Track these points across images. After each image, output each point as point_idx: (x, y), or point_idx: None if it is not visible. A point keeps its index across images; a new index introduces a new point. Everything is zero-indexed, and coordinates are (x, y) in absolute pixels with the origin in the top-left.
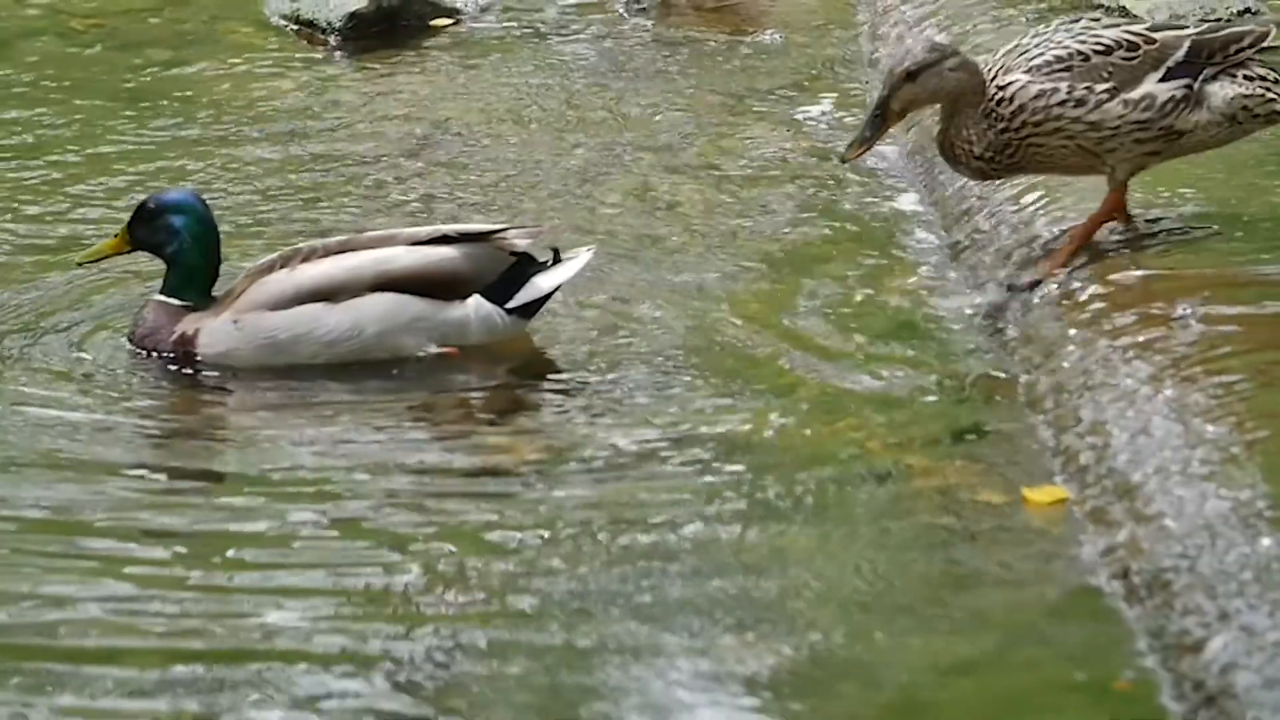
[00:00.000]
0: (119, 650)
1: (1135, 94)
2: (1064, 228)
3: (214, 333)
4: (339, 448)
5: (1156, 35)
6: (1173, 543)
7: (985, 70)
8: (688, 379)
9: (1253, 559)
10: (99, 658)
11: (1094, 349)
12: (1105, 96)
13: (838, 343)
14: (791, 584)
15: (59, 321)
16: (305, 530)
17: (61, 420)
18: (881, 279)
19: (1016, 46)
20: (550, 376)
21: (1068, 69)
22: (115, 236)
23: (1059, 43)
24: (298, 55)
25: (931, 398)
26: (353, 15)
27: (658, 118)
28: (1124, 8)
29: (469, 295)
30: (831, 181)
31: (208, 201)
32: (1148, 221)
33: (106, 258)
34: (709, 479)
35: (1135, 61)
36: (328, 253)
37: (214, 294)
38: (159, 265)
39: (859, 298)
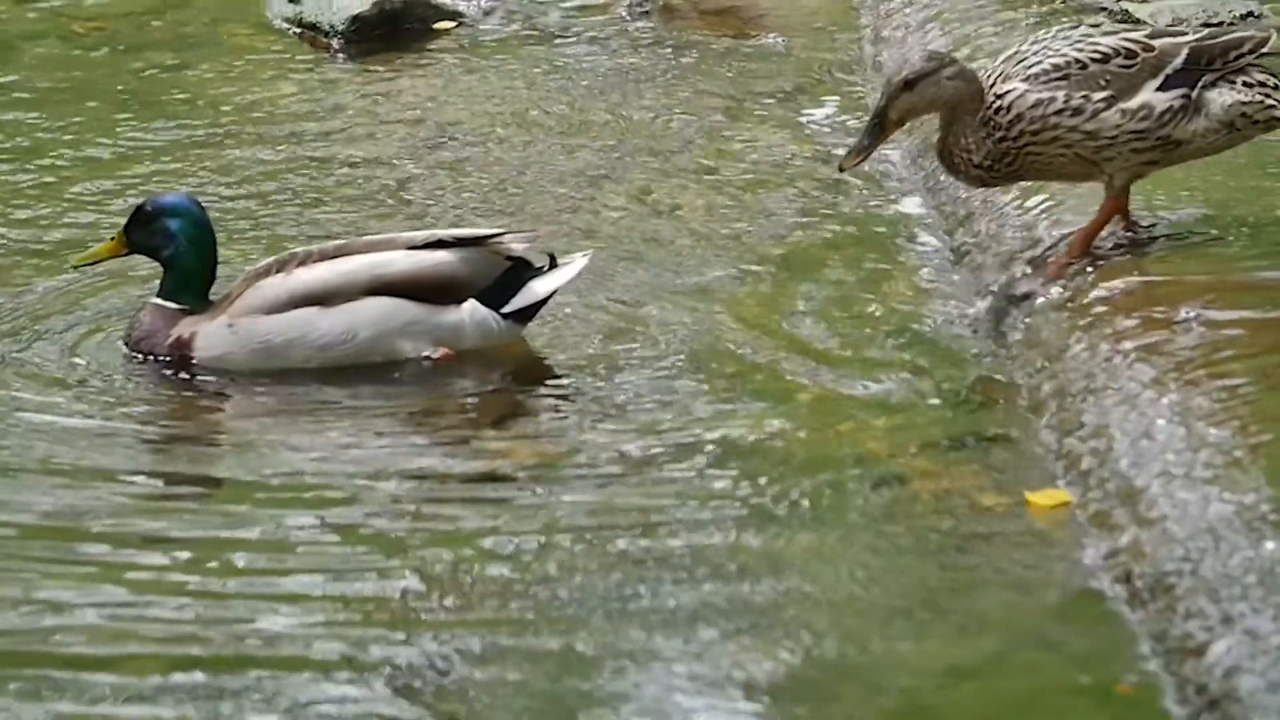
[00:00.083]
0: (117, 657)
1: (1133, 103)
2: (1067, 231)
3: (209, 336)
4: (337, 453)
5: (1155, 42)
6: (1176, 546)
7: (984, 78)
8: (688, 383)
9: (1256, 562)
10: (97, 664)
11: (1097, 352)
12: (1102, 105)
13: (839, 346)
14: (792, 588)
15: (54, 325)
16: (303, 536)
17: (57, 425)
18: (884, 283)
19: (1015, 54)
20: (550, 381)
21: (1065, 78)
22: (112, 239)
23: (1057, 51)
24: (300, 58)
25: (934, 401)
26: (355, 18)
27: (660, 121)
28: (1127, 11)
29: (464, 300)
30: (834, 185)
31: (208, 205)
32: (1150, 225)
33: (103, 261)
34: (709, 484)
35: (1133, 69)
36: (324, 257)
37: (211, 297)
38: (155, 267)
39: (861, 301)
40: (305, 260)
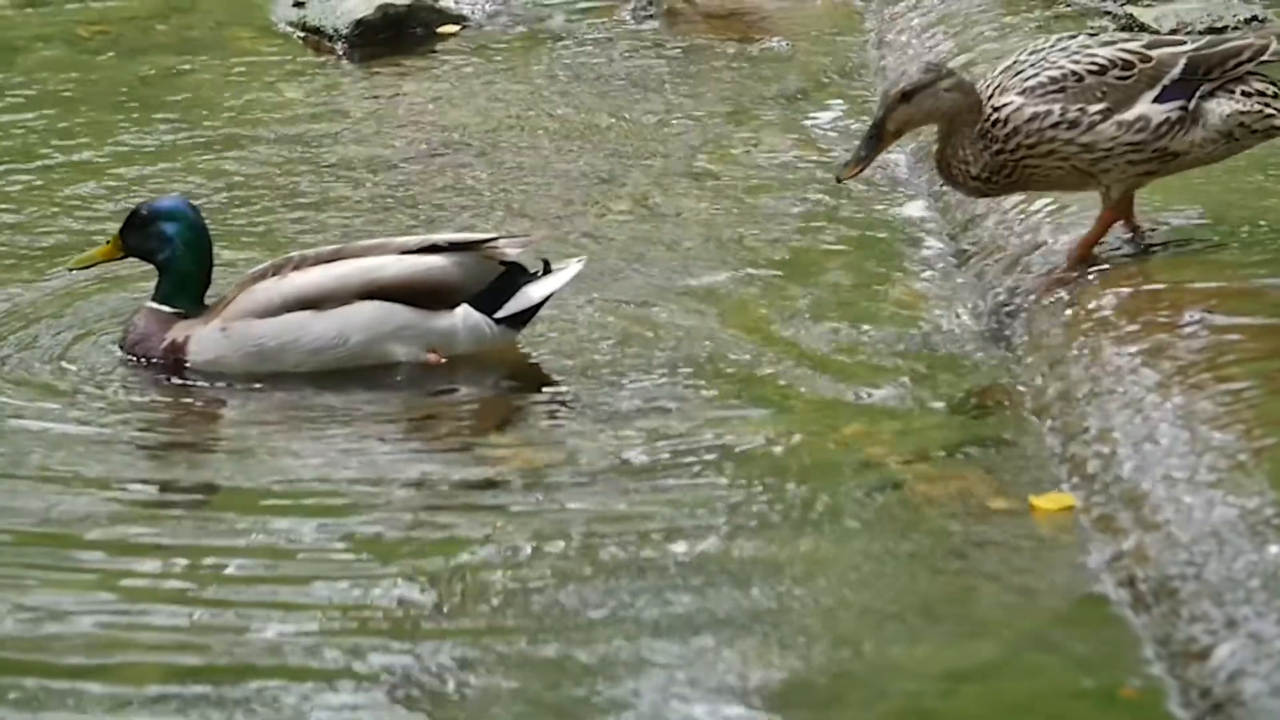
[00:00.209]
0: (113, 665)
1: (1129, 115)
2: (1070, 235)
3: (203, 340)
4: (335, 459)
5: (1153, 53)
6: (1180, 550)
7: (982, 89)
8: (689, 388)
9: (1260, 566)
10: (93, 673)
11: (1101, 357)
12: (1098, 118)
13: (842, 351)
14: (794, 593)
15: (50, 328)
16: (301, 543)
17: (52, 431)
18: (887, 287)
19: (1013, 65)
20: (550, 386)
21: (1061, 90)
22: (108, 243)
23: (1054, 63)
24: (304, 62)
25: (937, 405)
26: (359, 22)
27: (664, 124)
28: (1131, 15)
29: (457, 305)
30: (838, 189)
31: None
32: (1151, 230)
33: (99, 264)
34: (710, 489)
35: (1130, 80)
36: (319, 261)
37: (207, 301)
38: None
39: (864, 305)
40: (300, 264)
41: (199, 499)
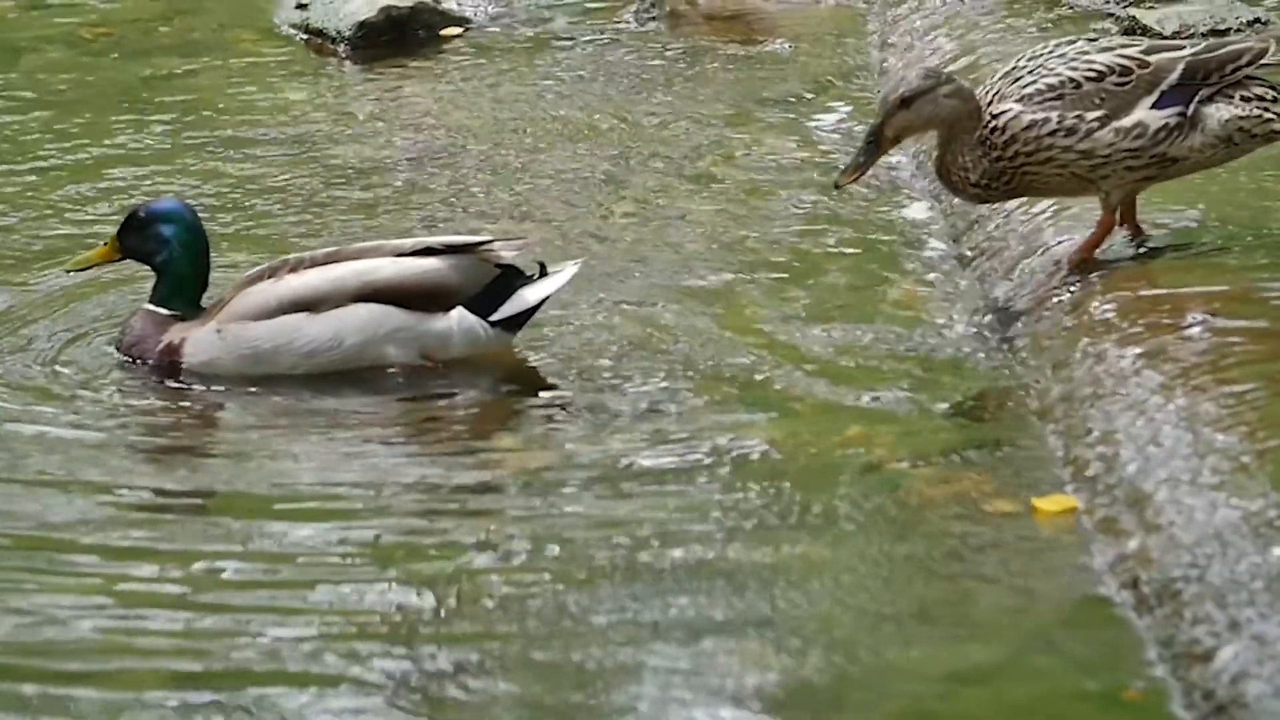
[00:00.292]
0: (109, 671)
1: (1127, 122)
2: (1072, 236)
3: (198, 342)
4: (333, 463)
5: (1151, 58)
6: (1183, 552)
7: (981, 95)
8: (691, 390)
9: (1263, 568)
10: (89, 678)
11: (1104, 359)
12: (1096, 125)
13: (845, 353)
14: (799, 595)
15: (46, 329)
16: (299, 548)
17: (49, 435)
18: (890, 288)
19: (1012, 71)
20: (550, 389)
21: (1059, 97)
22: (105, 245)
23: (1052, 70)
24: (307, 64)
25: (940, 407)
26: (362, 24)
27: (667, 126)
28: (1134, 18)
29: (452, 307)
30: (841, 190)
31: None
32: (1156, 232)
33: (96, 266)
34: (711, 492)
35: (1128, 87)
36: (314, 263)
37: (205, 303)
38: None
39: (867, 307)
40: (296, 267)
41: (196, 503)
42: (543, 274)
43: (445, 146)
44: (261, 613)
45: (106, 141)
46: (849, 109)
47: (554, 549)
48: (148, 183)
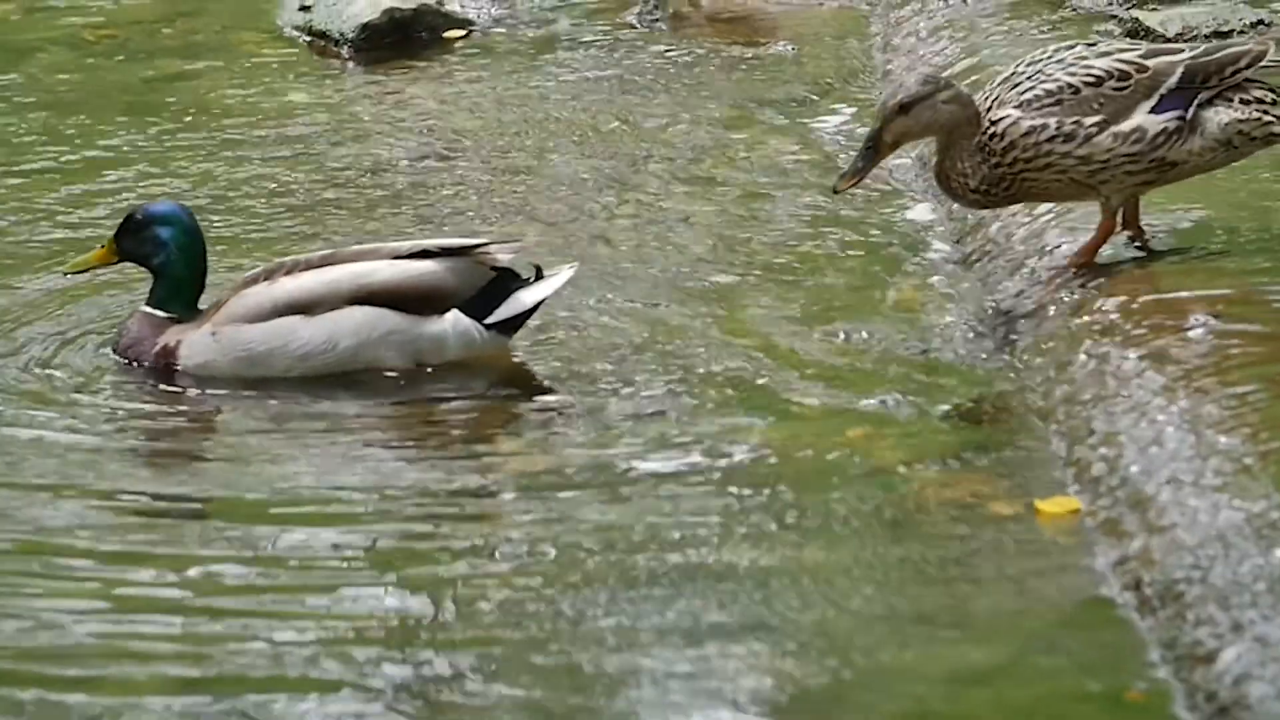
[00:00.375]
0: (105, 677)
1: (1125, 126)
2: (1076, 239)
3: (194, 344)
4: (331, 467)
5: (1149, 62)
6: (1185, 554)
7: (980, 101)
8: (693, 393)
9: (1266, 570)
10: (85, 684)
11: (1106, 360)
12: (1094, 130)
13: (847, 354)
14: (802, 596)
15: (42, 332)
16: (296, 552)
17: (45, 439)
18: (893, 290)
19: (1011, 77)
20: (551, 391)
21: (1058, 103)
22: (103, 247)
23: (1050, 75)
24: (310, 66)
25: (943, 408)
26: (365, 26)
27: (670, 128)
28: (1137, 19)
29: (447, 310)
30: (844, 192)
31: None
32: (1158, 234)
33: (94, 268)
34: (714, 494)
35: (1127, 91)
36: (311, 266)
37: (202, 306)
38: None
39: (870, 308)
40: (292, 269)
41: (195, 507)
42: (539, 276)
43: (448, 148)
44: (260, 617)
45: (107, 143)
46: (852, 111)
47: (554, 553)
48: (147, 184)
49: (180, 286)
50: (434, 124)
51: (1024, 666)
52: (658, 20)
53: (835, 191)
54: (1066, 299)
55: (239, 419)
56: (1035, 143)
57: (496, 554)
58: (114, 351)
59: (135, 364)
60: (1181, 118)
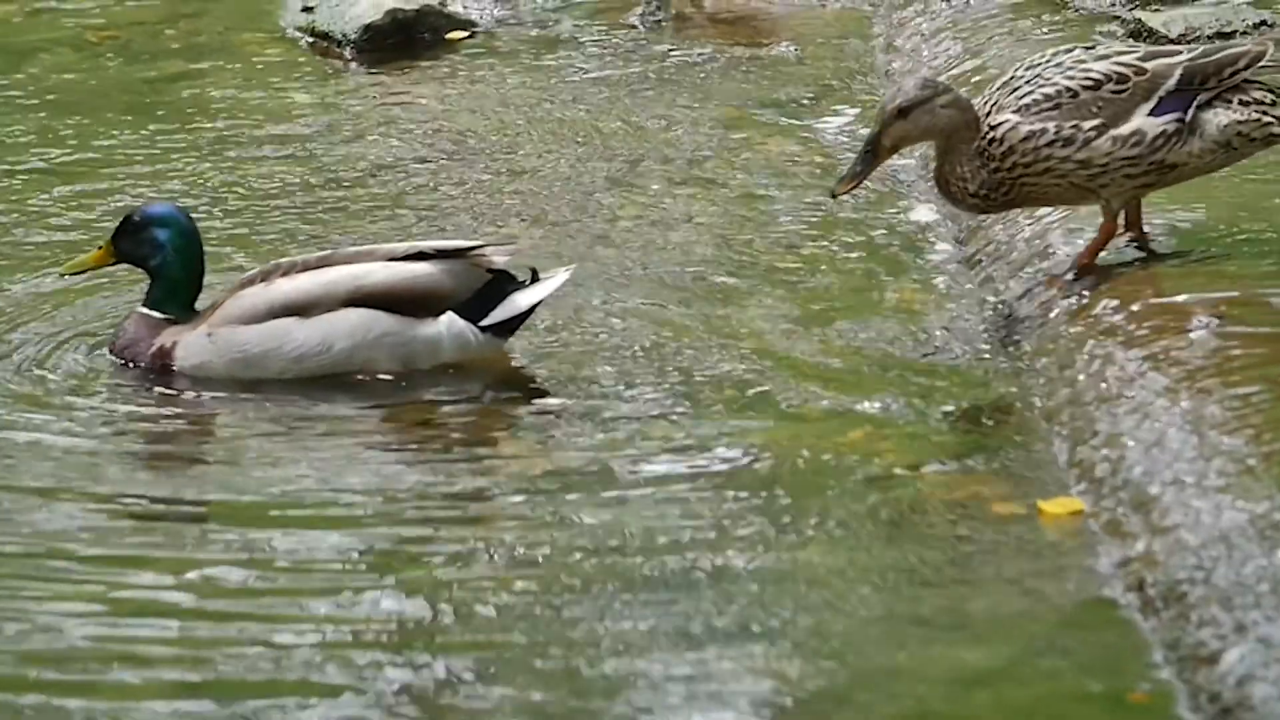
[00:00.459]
0: (103, 683)
1: (1124, 130)
2: (1079, 240)
3: (189, 346)
4: (329, 469)
5: (1148, 65)
6: (1189, 555)
7: (979, 105)
8: (695, 395)
9: (1269, 571)
10: (82, 690)
11: (1109, 362)
12: (1093, 134)
13: (850, 355)
14: (801, 599)
15: (37, 333)
16: (295, 556)
17: (42, 442)
18: (896, 291)
19: (1009, 81)
20: (551, 393)
21: (1056, 107)
22: (100, 248)
23: (1049, 79)
24: (312, 67)
25: (946, 409)
26: (368, 28)
27: (672, 129)
28: (1140, 20)
29: (442, 312)
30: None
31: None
32: (1161, 235)
33: (90, 270)
34: (716, 496)
35: (1125, 94)
36: (307, 267)
37: (199, 307)
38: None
39: (872, 309)
40: (289, 270)
41: (194, 511)
42: (535, 279)
43: (450, 149)
44: (259, 621)
45: (108, 143)
46: (855, 112)
47: (554, 555)
48: (148, 185)
49: (177, 288)
50: (436, 125)
51: (1026, 667)
52: (660, 21)
53: (833, 195)
54: (1069, 300)
55: (237, 421)
56: (1034, 148)
57: (496, 557)
58: (110, 352)
59: (131, 364)
60: (1180, 120)
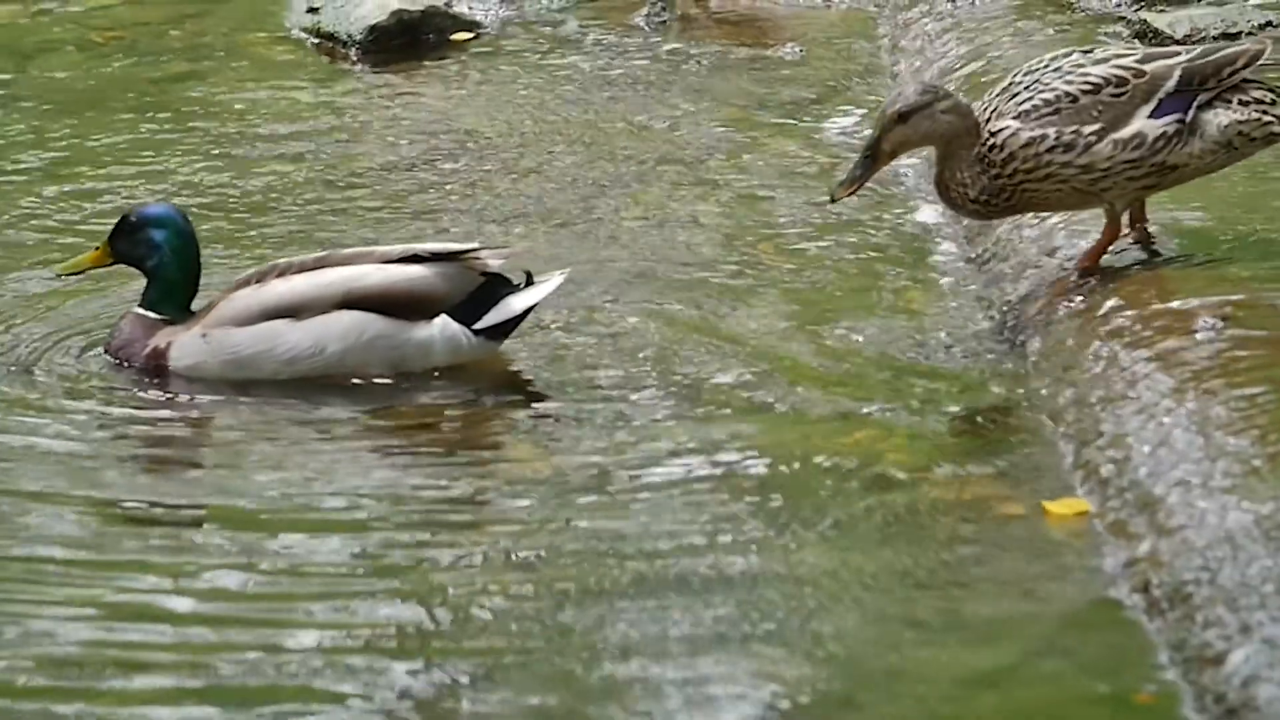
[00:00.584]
0: (101, 688)
1: (1125, 133)
2: (1084, 241)
3: (184, 346)
4: (326, 473)
5: (1147, 67)
6: (1194, 555)
7: (979, 111)
8: (698, 396)
9: (1275, 571)
10: (80, 695)
11: (1114, 362)
12: (1094, 138)
13: (856, 355)
14: (809, 598)
15: (33, 334)
16: (293, 560)
17: (37, 446)
18: (901, 292)
19: (1008, 87)
20: (550, 396)
21: (1056, 112)
22: (97, 249)
23: (1047, 84)
24: (318, 68)
25: (951, 410)
26: (373, 28)
27: (677, 130)
28: (1145, 21)
29: (436, 315)
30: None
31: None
32: (1165, 236)
33: (87, 270)
34: (718, 499)
35: (1125, 97)
36: (303, 269)
37: (196, 308)
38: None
39: (879, 310)
40: (285, 272)
41: (193, 514)
42: (529, 282)
43: (455, 150)
44: (258, 625)
45: (112, 142)
46: (860, 113)
47: (554, 559)
48: (150, 185)
49: (173, 288)
50: (441, 125)
51: (1031, 669)
52: (665, 22)
53: (832, 199)
54: (1074, 302)
55: (234, 424)
56: (1035, 153)
57: (495, 561)
58: (105, 352)
59: (126, 365)
60: (1181, 121)
